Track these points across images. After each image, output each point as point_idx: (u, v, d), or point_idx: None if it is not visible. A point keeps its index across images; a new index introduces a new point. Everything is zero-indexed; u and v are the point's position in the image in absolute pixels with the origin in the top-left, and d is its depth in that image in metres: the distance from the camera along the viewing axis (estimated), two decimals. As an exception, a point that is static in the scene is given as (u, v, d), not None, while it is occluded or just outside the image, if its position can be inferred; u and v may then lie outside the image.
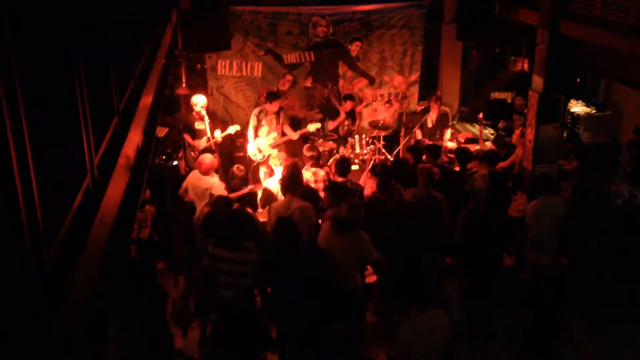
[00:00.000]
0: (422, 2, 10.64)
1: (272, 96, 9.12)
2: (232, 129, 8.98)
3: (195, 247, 6.44)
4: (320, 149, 9.07)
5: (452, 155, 9.37)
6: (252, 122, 9.17)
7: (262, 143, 9.08)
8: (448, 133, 10.06)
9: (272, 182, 7.67)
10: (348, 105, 9.87)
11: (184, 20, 8.68)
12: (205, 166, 7.18)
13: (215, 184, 7.12)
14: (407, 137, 10.09)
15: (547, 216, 6.32)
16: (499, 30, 9.15)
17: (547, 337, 5.84)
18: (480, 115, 9.42)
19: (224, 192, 7.06)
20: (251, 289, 5.55)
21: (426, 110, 10.18)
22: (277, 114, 9.16)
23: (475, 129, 10.78)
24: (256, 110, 9.26)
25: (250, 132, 9.16)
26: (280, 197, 7.10)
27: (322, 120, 9.88)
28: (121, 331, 4.36)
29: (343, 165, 7.19)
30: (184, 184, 7.31)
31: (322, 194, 6.88)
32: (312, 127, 9.26)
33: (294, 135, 9.22)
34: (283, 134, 9.28)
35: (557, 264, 6.26)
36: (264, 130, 9.12)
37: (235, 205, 6.25)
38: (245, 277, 5.34)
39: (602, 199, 7.09)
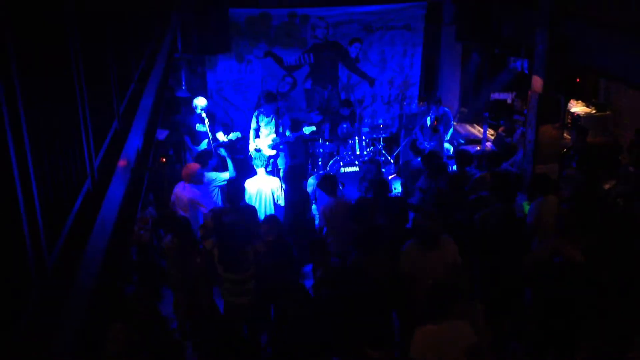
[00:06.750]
0: (422, 3, 10.65)
1: (269, 97, 9.10)
2: (234, 136, 8.95)
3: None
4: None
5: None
6: (253, 123, 9.16)
7: (261, 145, 9.07)
8: (448, 134, 10.03)
9: (252, 182, 7.44)
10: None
11: (184, 23, 8.69)
12: (185, 172, 6.96)
13: (197, 194, 6.85)
14: (407, 138, 10.08)
15: (550, 215, 6.29)
16: (499, 31, 9.16)
17: (556, 332, 5.79)
18: (487, 115, 9.41)
19: (211, 201, 6.92)
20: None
21: (426, 112, 10.14)
22: (275, 115, 9.16)
23: (474, 130, 10.78)
24: (256, 112, 9.26)
25: (251, 134, 9.17)
26: (254, 197, 7.18)
27: (321, 122, 9.85)
28: (121, 332, 4.36)
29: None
30: (173, 194, 7.07)
31: None
32: (307, 129, 9.19)
33: (290, 137, 9.15)
34: (282, 136, 9.25)
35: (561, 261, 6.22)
36: (263, 131, 9.12)
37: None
38: None
39: (601, 199, 7.06)
